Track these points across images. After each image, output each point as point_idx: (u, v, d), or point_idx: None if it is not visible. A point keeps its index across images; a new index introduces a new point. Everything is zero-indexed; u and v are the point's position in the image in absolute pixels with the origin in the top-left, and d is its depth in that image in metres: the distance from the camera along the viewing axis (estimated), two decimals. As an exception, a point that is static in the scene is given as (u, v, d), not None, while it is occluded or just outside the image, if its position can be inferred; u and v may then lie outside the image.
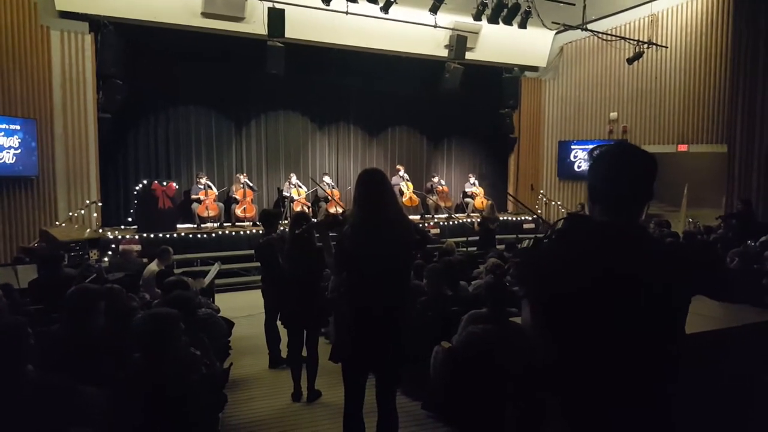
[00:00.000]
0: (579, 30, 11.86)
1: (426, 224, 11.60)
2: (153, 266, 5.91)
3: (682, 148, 12.11)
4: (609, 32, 12.33)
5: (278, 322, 5.24)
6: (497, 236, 10.78)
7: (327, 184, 11.82)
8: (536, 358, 1.63)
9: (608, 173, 1.55)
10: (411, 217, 3.99)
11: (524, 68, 13.93)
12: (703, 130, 11.82)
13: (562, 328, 1.47)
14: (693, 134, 11.97)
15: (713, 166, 11.52)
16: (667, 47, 12.14)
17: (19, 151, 8.82)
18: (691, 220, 10.90)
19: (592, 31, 11.90)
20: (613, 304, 1.41)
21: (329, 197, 11.49)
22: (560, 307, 1.46)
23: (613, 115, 13.27)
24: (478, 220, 10.23)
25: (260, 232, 6.15)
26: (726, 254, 5.39)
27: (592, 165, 1.60)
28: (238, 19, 10.20)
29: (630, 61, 11.85)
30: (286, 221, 10.54)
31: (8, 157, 8.72)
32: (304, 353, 4.48)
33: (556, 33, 12.84)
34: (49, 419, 1.52)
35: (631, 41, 11.97)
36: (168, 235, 9.77)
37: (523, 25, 11.14)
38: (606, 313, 1.41)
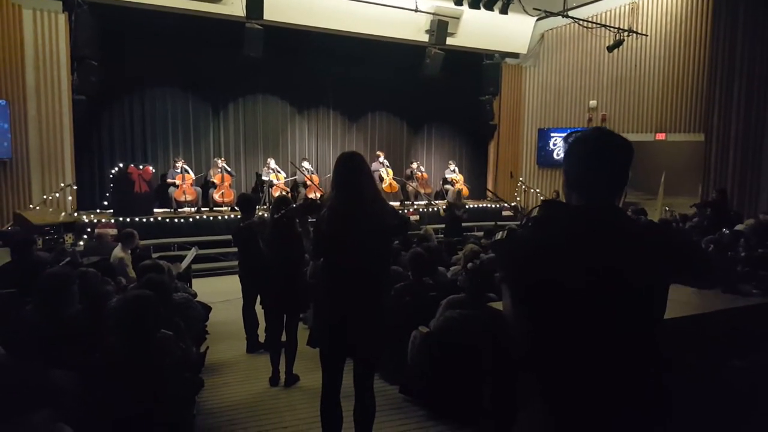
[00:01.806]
0: (560, 17, 11.92)
1: (406, 210, 11.61)
2: (118, 251, 5.80)
3: (660, 136, 12.28)
4: (590, 19, 12.38)
5: (257, 308, 5.24)
6: (474, 223, 10.83)
7: (306, 169, 11.75)
8: (515, 344, 1.62)
9: (585, 159, 1.54)
10: (391, 203, 3.97)
11: (505, 55, 13.94)
12: (681, 119, 12.00)
13: (542, 315, 1.46)
14: (671, 123, 12.15)
15: (690, 154, 11.73)
16: (647, 35, 12.26)
17: (-10, 132, 8.60)
18: (667, 208, 11.09)
19: (573, 18, 11.95)
20: (593, 290, 1.41)
21: (308, 183, 11.42)
22: (539, 294, 1.45)
23: (593, 103, 13.38)
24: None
25: (238, 217, 6.08)
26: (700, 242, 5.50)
27: (568, 151, 1.59)
28: (216, 0, 10.00)
29: (610, 48, 11.93)
30: (264, 206, 10.48)
31: (-21, 139, 8.49)
32: (283, 338, 4.48)
33: (537, 19, 12.86)
34: (14, 401, 1.49)
35: (612, 29, 12.05)
36: (144, 220, 9.64)
37: (504, 11, 11.14)
38: (585, 299, 1.41)
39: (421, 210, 12.16)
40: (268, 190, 11.03)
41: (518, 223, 1.62)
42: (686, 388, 2.76)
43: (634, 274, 1.41)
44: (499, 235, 1.64)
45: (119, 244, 5.98)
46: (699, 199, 10.20)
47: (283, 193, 11.09)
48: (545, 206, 1.57)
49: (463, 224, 9.96)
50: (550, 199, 1.68)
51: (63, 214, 9.31)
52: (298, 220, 2.98)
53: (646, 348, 1.46)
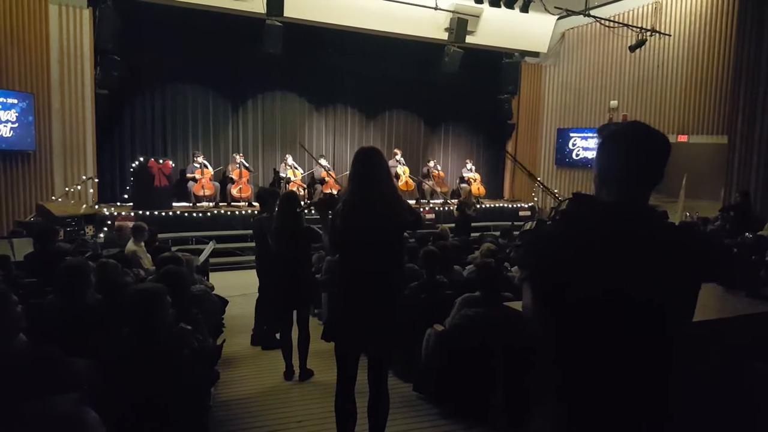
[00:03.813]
0: (581, 16, 11.77)
1: (422, 209, 11.60)
2: (131, 244, 5.88)
3: (682, 138, 12.08)
4: (612, 19, 12.22)
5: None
6: (491, 222, 10.77)
7: (323, 166, 11.79)
8: (535, 342, 1.57)
9: (619, 152, 1.49)
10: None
11: (525, 53, 13.82)
12: (703, 121, 11.80)
13: (565, 316, 1.41)
14: (693, 125, 11.94)
15: (713, 157, 11.52)
16: (670, 35, 12.06)
17: (16, 125, 8.76)
18: (687, 213, 10.90)
19: (594, 17, 11.80)
20: (617, 294, 1.36)
21: (325, 179, 11.48)
22: (563, 294, 1.41)
23: (614, 103, 13.21)
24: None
25: (255, 212, 6.12)
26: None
27: (602, 143, 1.53)
28: (237, -4, 10.07)
29: (632, 48, 11.77)
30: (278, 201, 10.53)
31: (5, 131, 8.66)
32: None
33: (558, 18, 12.73)
34: (36, 388, 1.53)
35: (634, 28, 11.88)
36: (163, 213, 9.76)
37: (525, 9, 11.04)
38: (609, 302, 1.36)
39: (437, 209, 12.14)
40: (286, 186, 11.09)
41: (549, 215, 1.58)
42: (708, 391, 2.72)
43: (660, 280, 1.36)
44: (527, 225, 1.60)
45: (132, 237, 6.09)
46: (721, 203, 10.04)
47: (300, 189, 11.16)
48: (574, 200, 1.50)
49: (480, 224, 9.94)
50: (580, 192, 1.61)
51: (84, 206, 9.46)
52: (318, 215, 2.98)
53: (668, 355, 1.41)
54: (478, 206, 11.47)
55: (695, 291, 1.44)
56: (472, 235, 8.78)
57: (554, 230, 1.50)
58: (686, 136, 12.05)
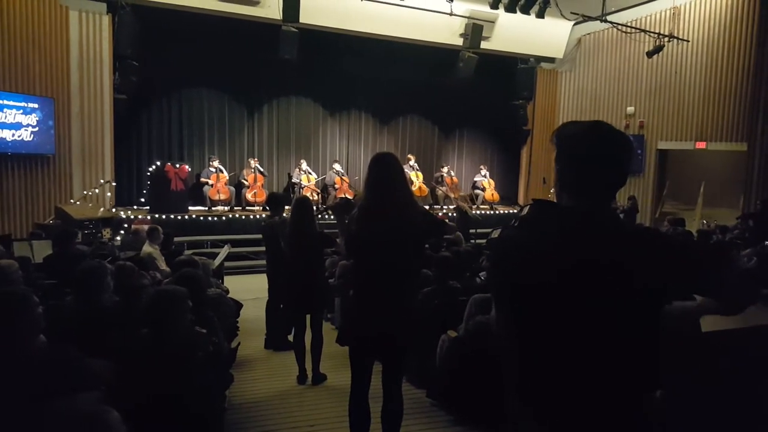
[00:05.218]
0: (598, 21, 11.68)
1: (437, 215, 11.58)
2: (146, 247, 5.94)
3: (701, 145, 11.93)
4: (629, 24, 12.13)
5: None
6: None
7: (336, 171, 11.83)
8: (501, 357, 1.49)
9: (575, 156, 1.42)
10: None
11: (540, 59, 13.77)
12: (722, 128, 11.62)
13: (525, 322, 1.37)
14: (712, 131, 11.78)
15: (732, 164, 11.35)
16: (688, 41, 11.92)
17: (36, 129, 8.92)
18: (705, 221, 10.74)
19: (611, 22, 11.72)
20: (577, 295, 1.30)
21: (338, 185, 11.52)
22: (521, 299, 1.37)
23: (630, 109, 13.09)
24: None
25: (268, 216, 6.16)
26: (741, 254, 5.33)
27: (559, 146, 1.47)
28: (253, 3, 10.17)
29: (650, 54, 11.65)
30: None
31: (26, 135, 8.81)
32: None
33: (575, 24, 12.67)
34: (59, 387, 1.55)
35: (652, 34, 11.77)
36: (179, 217, 9.87)
37: (540, 15, 11.00)
38: (569, 306, 1.30)
39: (450, 215, 12.10)
40: (299, 191, 11.14)
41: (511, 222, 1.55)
42: (722, 403, 2.67)
43: (621, 279, 1.28)
44: (494, 233, 1.59)
45: (147, 240, 6.15)
46: (740, 211, 9.88)
47: (314, 194, 11.20)
48: (534, 206, 1.47)
49: (491, 229, 9.91)
50: (540, 198, 1.58)
51: (102, 209, 9.59)
52: (336, 220, 2.99)
53: (640, 363, 1.32)
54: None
55: (663, 297, 1.34)
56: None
57: (512, 235, 1.47)
58: (705, 143, 11.89)
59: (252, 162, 11.28)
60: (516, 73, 13.50)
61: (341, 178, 11.71)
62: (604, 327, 1.31)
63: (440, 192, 12.66)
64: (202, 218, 10.13)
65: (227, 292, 5.42)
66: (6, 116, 8.52)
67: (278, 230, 4.88)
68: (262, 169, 11.36)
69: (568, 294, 1.31)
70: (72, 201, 9.57)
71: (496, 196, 13.20)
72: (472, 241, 9.24)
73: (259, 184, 11.15)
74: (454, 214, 10.35)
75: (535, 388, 1.39)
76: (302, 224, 4.37)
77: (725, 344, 2.94)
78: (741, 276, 1.46)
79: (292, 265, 4.45)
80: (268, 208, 5.67)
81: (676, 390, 2.59)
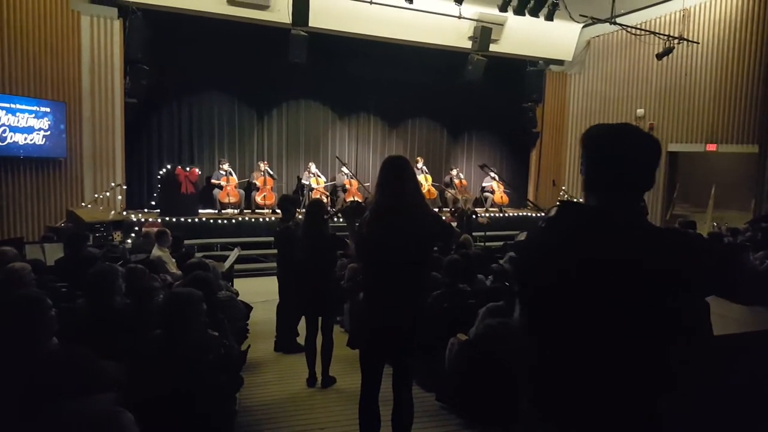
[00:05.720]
0: (607, 23, 11.63)
1: (444, 218, 11.56)
2: (156, 250, 5.98)
3: (711, 147, 11.82)
4: (638, 26, 12.06)
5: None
6: (514, 231, 10.69)
7: (345, 174, 11.84)
8: (522, 358, 1.48)
9: (602, 158, 1.44)
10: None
11: (549, 62, 13.72)
12: (733, 130, 11.52)
13: (546, 323, 1.36)
14: (723, 134, 11.67)
15: (743, 167, 11.25)
16: (698, 43, 11.84)
17: (48, 133, 9.01)
18: (715, 224, 10.65)
19: (621, 25, 11.66)
20: (594, 295, 1.29)
21: (347, 187, 11.53)
22: (544, 300, 1.36)
23: (640, 111, 13.01)
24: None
25: (278, 219, 6.18)
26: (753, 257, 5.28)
27: (587, 148, 1.48)
28: (263, 7, 10.22)
29: (659, 56, 11.58)
30: (304, 209, 10.62)
31: (38, 139, 8.90)
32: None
33: (584, 26, 12.62)
34: (74, 388, 1.58)
35: (662, 36, 11.70)
36: (189, 220, 9.92)
37: (549, 18, 10.96)
38: (586, 305, 1.30)
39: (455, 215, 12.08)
40: (308, 194, 11.17)
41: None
42: (732, 407, 2.64)
43: (640, 278, 1.27)
44: (520, 236, 1.59)
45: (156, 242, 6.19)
46: (751, 214, 9.79)
47: (323, 197, 11.22)
48: (561, 206, 1.47)
49: (504, 233, 9.90)
50: (567, 200, 1.58)
51: (112, 212, 9.65)
52: (346, 223, 3.00)
53: (656, 364, 1.31)
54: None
55: (686, 300, 1.33)
56: (496, 244, 8.74)
57: (535, 236, 1.48)
58: (715, 146, 11.79)
59: (261, 165, 11.33)
60: (525, 76, 13.45)
61: (350, 180, 11.73)
62: (619, 326, 1.30)
63: (449, 195, 12.64)
64: (212, 221, 10.18)
65: (237, 294, 5.45)
66: (18, 120, 8.61)
67: (291, 235, 4.90)
68: (271, 172, 11.40)
69: (586, 293, 1.31)
70: (83, 204, 9.65)
71: (506, 199, 13.17)
72: (482, 243, 9.24)
73: (268, 186, 11.19)
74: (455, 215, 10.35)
75: (554, 390, 1.38)
76: (316, 227, 4.39)
77: (733, 346, 2.92)
78: (753, 278, 1.47)
79: (304, 268, 4.46)
80: (280, 211, 5.69)
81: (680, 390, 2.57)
